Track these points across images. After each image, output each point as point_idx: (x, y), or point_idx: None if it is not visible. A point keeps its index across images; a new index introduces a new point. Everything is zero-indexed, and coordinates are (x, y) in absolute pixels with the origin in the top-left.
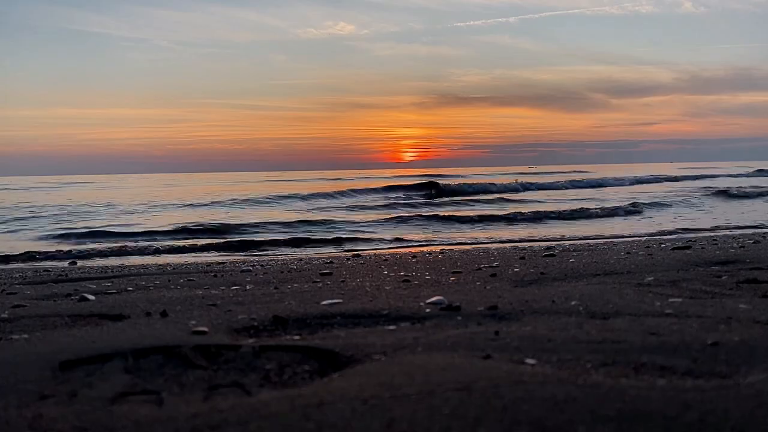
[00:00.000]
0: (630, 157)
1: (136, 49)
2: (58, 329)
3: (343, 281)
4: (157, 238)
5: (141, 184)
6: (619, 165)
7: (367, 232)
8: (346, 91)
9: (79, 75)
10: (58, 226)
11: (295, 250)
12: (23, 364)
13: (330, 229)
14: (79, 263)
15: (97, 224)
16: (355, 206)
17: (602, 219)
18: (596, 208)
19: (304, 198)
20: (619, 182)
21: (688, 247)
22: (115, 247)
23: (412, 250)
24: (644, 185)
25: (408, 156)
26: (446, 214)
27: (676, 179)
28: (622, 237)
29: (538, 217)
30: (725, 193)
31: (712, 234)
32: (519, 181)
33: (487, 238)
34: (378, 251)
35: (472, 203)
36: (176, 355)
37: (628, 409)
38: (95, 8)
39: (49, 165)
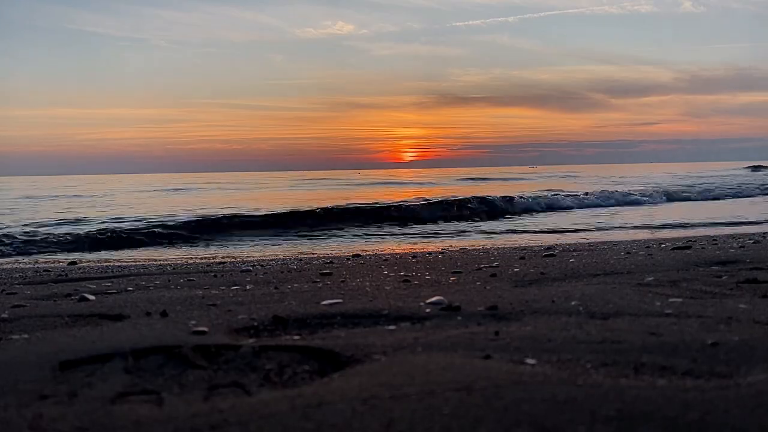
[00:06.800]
0: (630, 157)
1: (135, 49)
2: (58, 329)
3: (343, 281)
4: None
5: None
6: (619, 165)
7: None
8: (345, 91)
9: (78, 75)
10: None
11: None
12: (23, 364)
13: None
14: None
15: None
16: None
17: None
18: None
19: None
20: None
21: (688, 247)
22: None
23: (412, 249)
24: None
25: (408, 156)
26: None
27: None
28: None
29: None
30: None
31: (712, 234)
32: None
33: None
34: (379, 251)
35: None
36: (176, 355)
37: (628, 409)
38: (95, 8)
39: (49, 165)
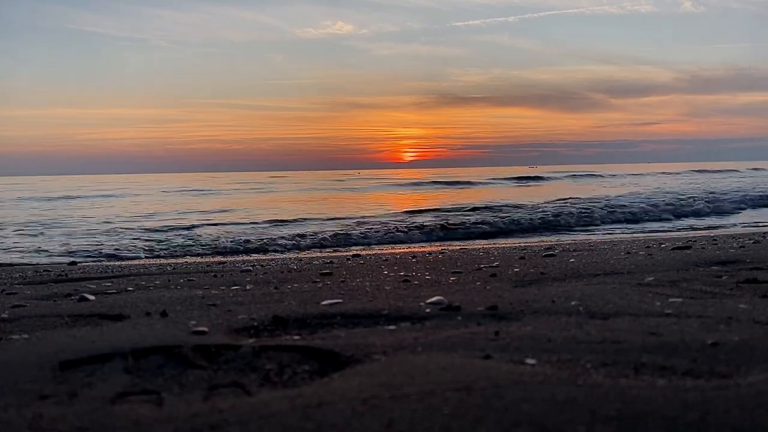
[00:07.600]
0: (630, 157)
1: (135, 49)
2: (58, 329)
3: (343, 281)
4: None
5: None
6: (619, 165)
7: None
8: (345, 91)
9: (78, 75)
10: None
11: None
12: (23, 364)
13: None
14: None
15: None
16: None
17: None
18: None
19: None
20: None
21: (688, 247)
22: None
23: (412, 249)
24: None
25: (408, 156)
26: None
27: None
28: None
29: None
30: None
31: (712, 234)
32: None
33: None
34: (379, 252)
35: None
36: (176, 355)
37: (628, 409)
38: (95, 8)
39: (49, 165)
